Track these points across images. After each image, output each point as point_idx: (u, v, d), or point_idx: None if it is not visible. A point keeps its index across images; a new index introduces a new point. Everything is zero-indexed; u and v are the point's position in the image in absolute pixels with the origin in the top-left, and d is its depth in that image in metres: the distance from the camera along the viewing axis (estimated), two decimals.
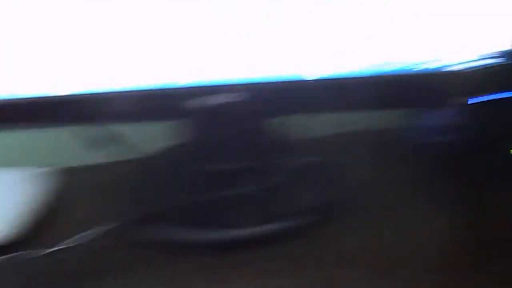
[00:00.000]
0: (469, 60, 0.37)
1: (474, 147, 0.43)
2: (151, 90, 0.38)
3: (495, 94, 0.41)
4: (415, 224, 0.37)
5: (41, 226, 0.39)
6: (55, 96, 0.38)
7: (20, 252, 0.34)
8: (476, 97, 0.41)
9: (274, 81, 0.38)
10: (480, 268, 0.32)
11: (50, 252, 0.33)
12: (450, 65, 0.37)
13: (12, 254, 0.33)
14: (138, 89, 0.38)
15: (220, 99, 0.38)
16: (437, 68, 0.37)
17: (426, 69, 0.37)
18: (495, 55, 0.37)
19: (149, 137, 0.46)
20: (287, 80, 0.38)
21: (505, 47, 0.37)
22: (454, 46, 0.37)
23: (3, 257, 0.33)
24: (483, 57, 0.37)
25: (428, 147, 0.47)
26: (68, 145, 0.52)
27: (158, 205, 0.39)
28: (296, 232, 0.36)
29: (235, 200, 0.39)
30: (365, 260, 0.33)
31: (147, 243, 0.36)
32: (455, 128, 0.45)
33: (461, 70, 0.37)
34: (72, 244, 0.33)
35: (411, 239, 0.35)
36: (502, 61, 0.37)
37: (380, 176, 0.44)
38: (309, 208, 0.38)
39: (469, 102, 0.41)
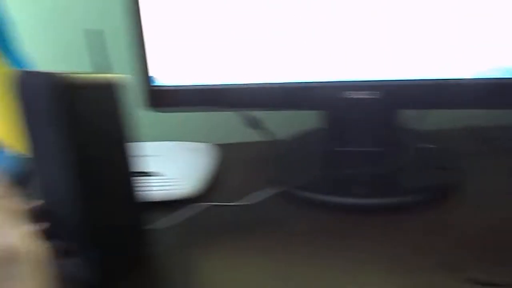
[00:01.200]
0: None
1: None
2: (299, 83, 0.49)
3: None
4: None
5: (212, 187, 0.52)
6: (222, 85, 0.50)
7: (208, 203, 0.47)
8: None
9: (403, 80, 0.46)
10: None
11: (230, 205, 0.46)
12: None
13: (200, 203, 0.47)
14: (288, 82, 0.49)
15: (360, 94, 0.47)
16: None
17: None
18: None
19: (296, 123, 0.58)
20: (413, 80, 0.46)
21: None
22: None
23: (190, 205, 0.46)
24: None
25: None
26: (229, 125, 0.66)
27: (308, 175, 0.50)
28: (415, 206, 0.45)
29: (368, 176, 0.48)
30: (472, 238, 0.39)
31: (302, 204, 0.47)
32: None
33: None
34: (246, 202, 0.46)
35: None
36: None
37: (487, 165, 0.52)
38: (427, 187, 0.47)
39: None
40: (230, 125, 0.69)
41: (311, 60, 0.47)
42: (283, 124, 0.68)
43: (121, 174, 0.36)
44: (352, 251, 0.39)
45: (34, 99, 0.31)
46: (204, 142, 0.59)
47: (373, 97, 0.47)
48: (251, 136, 0.64)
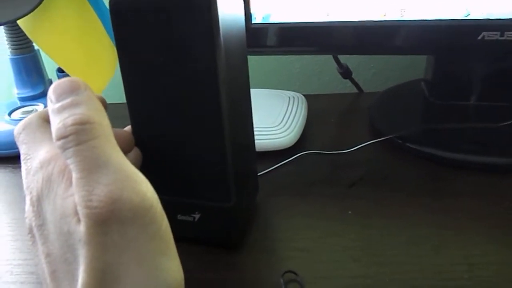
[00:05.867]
0: None
1: None
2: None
3: None
4: None
5: (307, 137, 0.48)
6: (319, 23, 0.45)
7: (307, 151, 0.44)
8: None
9: None
10: None
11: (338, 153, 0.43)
12: None
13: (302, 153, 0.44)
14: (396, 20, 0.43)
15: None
16: None
17: None
18: None
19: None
20: None
21: None
22: None
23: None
24: None
25: None
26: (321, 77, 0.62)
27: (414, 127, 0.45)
28: None
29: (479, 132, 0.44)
30: None
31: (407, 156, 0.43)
32: None
33: None
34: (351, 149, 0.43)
35: None
36: None
37: None
38: None
39: None
40: (323, 76, 0.65)
41: None
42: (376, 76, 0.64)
43: (246, 118, 0.33)
44: (450, 210, 0.35)
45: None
46: (296, 91, 0.54)
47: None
48: (344, 88, 0.60)
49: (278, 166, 0.43)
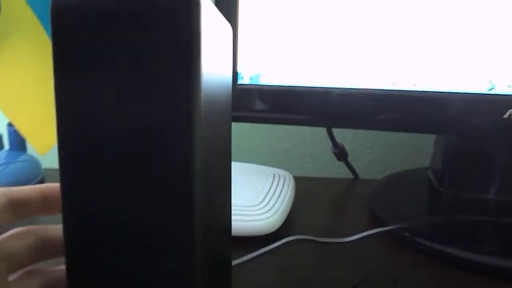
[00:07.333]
0: None
1: None
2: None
3: None
4: None
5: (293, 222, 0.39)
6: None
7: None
8: None
9: None
10: None
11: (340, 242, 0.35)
12: None
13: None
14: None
15: None
16: None
17: None
18: None
19: None
20: None
21: None
22: None
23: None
24: None
25: None
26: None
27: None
28: None
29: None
30: None
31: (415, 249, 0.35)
32: None
33: None
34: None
35: None
36: None
37: None
38: None
39: None
40: (314, 158, 0.58)
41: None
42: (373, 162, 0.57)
43: (225, 191, 0.24)
44: None
45: None
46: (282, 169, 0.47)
47: None
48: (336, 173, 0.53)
49: (257, 256, 0.33)
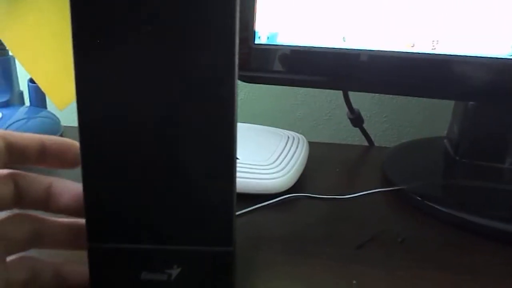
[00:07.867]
0: None
1: None
2: None
3: None
4: None
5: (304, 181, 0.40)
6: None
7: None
8: None
9: None
10: None
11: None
12: None
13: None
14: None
15: None
16: None
17: None
18: None
19: None
20: None
21: None
22: None
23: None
24: None
25: None
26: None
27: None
28: None
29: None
30: None
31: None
32: None
33: None
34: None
35: None
36: None
37: None
38: None
39: None
40: (330, 125, 0.58)
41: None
42: (388, 131, 0.57)
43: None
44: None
45: None
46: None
47: None
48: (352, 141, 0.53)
49: (264, 211, 0.34)
